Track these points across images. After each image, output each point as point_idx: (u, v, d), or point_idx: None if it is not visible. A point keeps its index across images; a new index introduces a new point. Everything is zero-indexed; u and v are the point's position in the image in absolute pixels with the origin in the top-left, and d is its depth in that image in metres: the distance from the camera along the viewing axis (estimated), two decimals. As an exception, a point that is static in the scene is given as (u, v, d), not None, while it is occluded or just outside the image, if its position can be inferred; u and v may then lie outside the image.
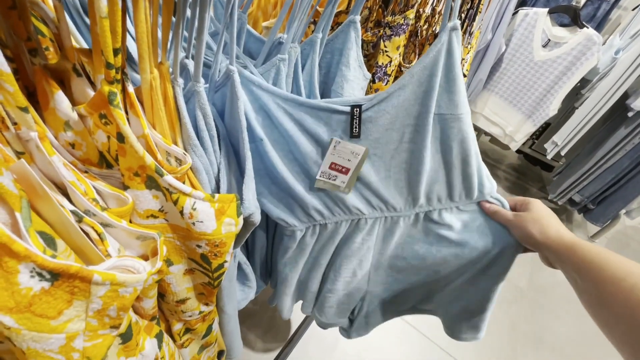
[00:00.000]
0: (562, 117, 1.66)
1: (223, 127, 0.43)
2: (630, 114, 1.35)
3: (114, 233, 0.29)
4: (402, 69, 0.61)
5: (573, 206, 1.66)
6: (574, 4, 1.38)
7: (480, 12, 0.67)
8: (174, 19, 0.32)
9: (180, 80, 0.34)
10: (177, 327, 0.46)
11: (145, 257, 0.33)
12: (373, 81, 0.59)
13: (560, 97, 1.49)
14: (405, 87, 0.39)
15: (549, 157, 1.64)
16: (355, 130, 0.42)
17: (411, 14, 0.55)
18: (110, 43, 0.22)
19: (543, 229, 0.40)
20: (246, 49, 0.58)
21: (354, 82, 0.55)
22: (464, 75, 0.72)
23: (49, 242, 0.20)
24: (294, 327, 1.13)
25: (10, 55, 0.24)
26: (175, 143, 0.36)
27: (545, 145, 1.64)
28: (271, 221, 0.59)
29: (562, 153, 1.55)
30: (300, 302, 0.69)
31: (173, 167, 0.34)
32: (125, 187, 0.30)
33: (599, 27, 1.55)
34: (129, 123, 0.29)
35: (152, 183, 0.30)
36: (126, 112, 0.30)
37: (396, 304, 0.60)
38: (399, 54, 0.57)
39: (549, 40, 1.45)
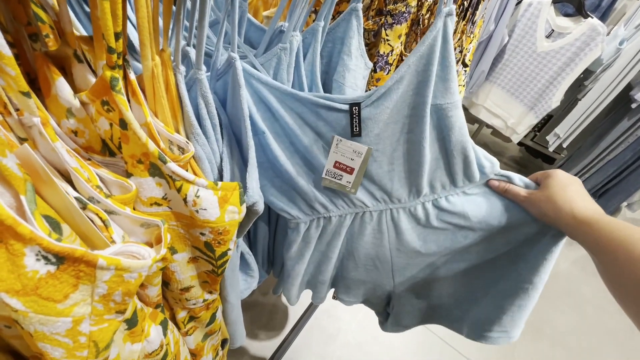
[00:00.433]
0: (564, 109, 1.65)
1: (225, 115, 0.43)
2: (633, 106, 1.34)
3: (118, 220, 0.29)
4: (404, 57, 0.60)
5: (574, 198, 1.66)
6: (578, -7, 1.36)
7: (483, 1, 0.66)
8: (174, 7, 0.31)
9: (182, 68, 0.34)
10: (182, 315, 0.46)
11: (149, 245, 0.33)
12: (374, 70, 0.58)
13: (563, 88, 1.48)
14: (403, 79, 0.38)
15: (551, 149, 1.64)
16: (356, 129, 0.41)
17: (413, 1, 0.54)
18: (112, 26, 0.22)
19: (557, 206, 0.37)
20: (247, 38, 0.57)
21: (355, 71, 0.54)
22: (467, 65, 0.72)
23: (55, 226, 0.20)
24: (296, 317, 1.14)
25: (11, 41, 0.24)
26: (178, 131, 0.36)
27: (547, 138, 1.63)
28: (273, 211, 0.59)
29: (564, 145, 1.55)
30: (304, 292, 0.69)
31: (176, 155, 0.34)
32: (128, 175, 0.30)
33: (603, 17, 1.53)
34: (131, 110, 0.29)
35: (155, 170, 0.30)
36: (128, 100, 0.30)
37: (426, 309, 0.60)
38: (401, 43, 0.56)
39: (553, 30, 1.43)
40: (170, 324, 0.42)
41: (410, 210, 0.49)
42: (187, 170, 0.35)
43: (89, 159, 0.30)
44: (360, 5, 0.48)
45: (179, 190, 0.31)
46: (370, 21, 0.55)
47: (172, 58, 0.33)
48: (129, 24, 0.37)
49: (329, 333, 1.13)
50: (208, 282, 0.44)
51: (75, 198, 0.25)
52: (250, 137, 0.41)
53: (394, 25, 0.53)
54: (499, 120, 1.69)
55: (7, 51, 0.19)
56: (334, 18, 0.56)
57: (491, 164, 0.46)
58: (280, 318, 1.14)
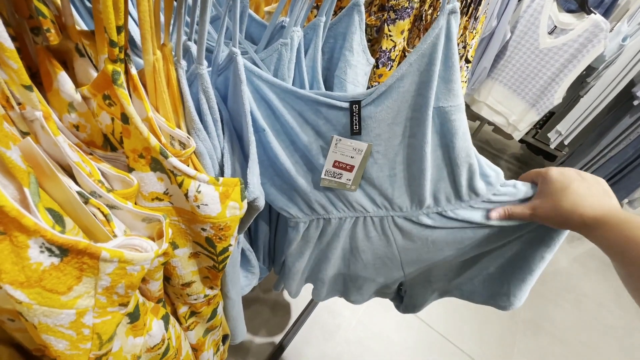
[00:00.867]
0: (566, 106, 1.65)
1: (226, 111, 0.42)
2: (635, 103, 1.33)
3: (119, 215, 0.29)
4: (406, 54, 0.60)
5: (575, 196, 1.66)
6: (582, -12, 1.35)
7: (486, -4, 0.66)
8: (175, 2, 0.31)
9: (183, 63, 0.34)
10: (183, 310, 0.46)
11: (151, 239, 0.33)
12: (377, 66, 0.58)
13: (565, 85, 1.47)
14: (404, 78, 0.37)
15: (552, 146, 1.63)
16: (356, 128, 0.41)
17: (416, -3, 0.54)
18: (114, 19, 0.22)
19: (564, 215, 0.36)
20: (248, 34, 0.57)
21: (357, 67, 0.54)
22: (469, 61, 0.72)
23: (58, 219, 0.20)
24: (296, 313, 1.15)
25: (13, 34, 0.24)
26: (179, 126, 0.36)
27: (549, 135, 1.63)
28: (274, 208, 0.60)
29: (566, 142, 1.54)
30: (306, 287, 0.69)
31: (177, 150, 0.34)
32: (130, 170, 0.30)
33: (606, 13, 1.52)
34: (132, 105, 0.29)
35: (156, 165, 0.30)
36: (129, 95, 0.30)
37: (437, 288, 0.59)
38: (403, 39, 0.56)
39: (555, 26, 1.43)
40: (172, 319, 0.42)
41: (412, 219, 0.48)
42: (188, 166, 0.35)
43: (91, 154, 0.30)
44: (362, 1, 0.48)
45: (180, 185, 0.31)
46: (372, 17, 0.55)
47: (173, 53, 0.33)
48: (130, 20, 0.37)
49: (329, 329, 1.14)
50: (209, 278, 0.44)
51: (78, 192, 0.25)
52: (252, 132, 0.41)
53: (397, 20, 0.52)
54: (501, 117, 1.69)
55: (10, 44, 0.19)
56: (335, 13, 0.56)
57: (496, 174, 0.44)
58: (281, 314, 1.14)
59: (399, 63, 0.62)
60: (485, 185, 0.44)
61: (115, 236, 0.27)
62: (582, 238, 1.72)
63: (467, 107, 1.75)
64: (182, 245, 0.38)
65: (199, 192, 0.32)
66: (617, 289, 1.46)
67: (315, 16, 0.49)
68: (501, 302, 0.53)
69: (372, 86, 0.60)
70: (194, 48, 0.41)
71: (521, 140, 2.01)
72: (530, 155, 2.28)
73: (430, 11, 0.59)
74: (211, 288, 0.46)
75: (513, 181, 0.45)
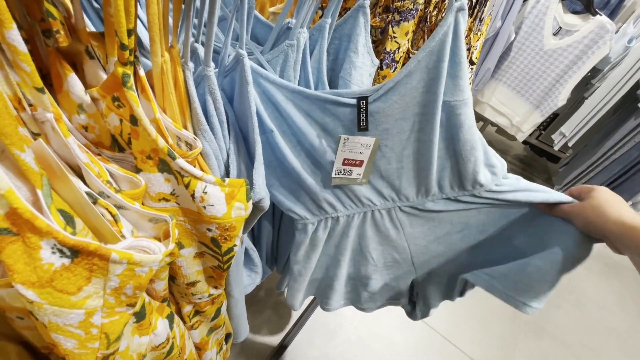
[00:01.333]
0: (570, 108, 1.64)
1: (232, 112, 0.43)
2: (640, 105, 1.33)
3: (127, 215, 0.30)
4: (411, 55, 0.60)
5: (579, 198, 1.65)
6: (587, -10, 1.34)
7: (491, -2, 0.66)
8: (183, 6, 0.31)
9: (191, 64, 0.34)
10: (187, 309, 0.47)
11: (157, 240, 0.34)
12: (381, 68, 0.58)
13: (569, 87, 1.46)
14: (412, 75, 0.38)
15: (556, 148, 1.63)
16: (363, 123, 0.41)
17: (421, -1, 0.54)
18: (125, 23, 0.22)
19: (602, 213, 0.38)
20: (253, 35, 0.57)
21: (362, 68, 0.54)
22: (473, 63, 0.71)
23: (69, 220, 0.20)
24: (298, 313, 1.15)
25: (25, 37, 0.24)
26: (185, 127, 0.36)
27: (553, 136, 1.62)
28: (278, 208, 0.60)
29: (570, 144, 1.54)
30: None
31: (184, 151, 0.34)
32: (137, 170, 0.31)
33: (612, 14, 1.51)
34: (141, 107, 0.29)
35: (164, 166, 0.30)
36: (137, 96, 0.30)
37: (448, 282, 0.58)
38: (408, 40, 0.56)
39: (560, 28, 1.42)
40: (177, 318, 0.43)
41: (418, 207, 0.49)
42: (194, 167, 0.35)
43: (99, 154, 0.31)
44: (367, 2, 0.48)
45: (187, 186, 0.32)
46: (377, 18, 0.55)
47: (181, 55, 0.33)
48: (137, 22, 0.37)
49: (330, 328, 1.14)
50: (214, 277, 0.44)
51: (86, 193, 0.26)
52: (257, 133, 0.41)
53: (401, 22, 0.52)
54: (504, 118, 1.68)
55: (23, 47, 0.19)
56: (340, 15, 0.56)
57: (501, 165, 0.46)
58: (282, 313, 1.15)
59: (403, 65, 0.62)
60: (491, 175, 0.45)
61: (122, 236, 0.27)
62: (585, 240, 1.72)
63: (471, 108, 1.75)
64: (187, 245, 0.39)
65: (206, 193, 0.33)
66: (620, 291, 1.45)
67: (320, 17, 0.49)
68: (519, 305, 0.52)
69: (376, 87, 0.60)
70: (201, 50, 0.41)
71: (524, 142, 2.00)
72: (533, 156, 2.27)
73: (435, 13, 0.59)
74: (215, 287, 0.46)
75: (515, 176, 0.46)
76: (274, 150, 0.45)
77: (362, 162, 0.45)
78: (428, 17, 0.58)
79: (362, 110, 0.40)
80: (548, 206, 0.44)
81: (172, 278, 0.42)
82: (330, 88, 0.55)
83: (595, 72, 1.46)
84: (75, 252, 0.18)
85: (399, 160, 0.44)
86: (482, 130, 2.24)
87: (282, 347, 1.03)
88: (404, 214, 0.50)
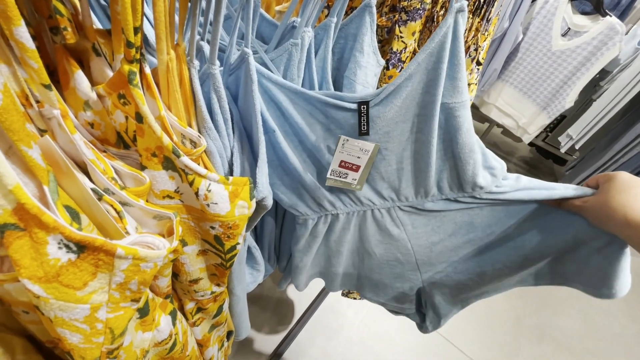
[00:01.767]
0: (578, 110, 1.62)
1: (237, 110, 0.43)
2: (650, 107, 1.31)
3: (131, 212, 0.30)
4: (417, 55, 0.60)
5: (585, 201, 1.63)
6: (597, -10, 1.32)
7: (499, -2, 0.65)
8: (189, 4, 0.32)
9: (196, 62, 0.34)
10: (190, 306, 0.47)
11: (161, 236, 0.34)
12: (387, 68, 0.58)
13: (577, 88, 1.45)
14: (412, 77, 0.38)
15: (563, 150, 1.61)
16: (364, 128, 0.41)
17: (428, -2, 0.53)
18: (132, 21, 0.22)
19: (610, 210, 0.35)
20: (259, 33, 0.57)
21: (367, 68, 0.54)
22: (480, 64, 0.71)
23: (75, 216, 0.20)
24: (300, 311, 1.15)
25: (33, 33, 0.24)
26: (190, 125, 0.36)
27: (559, 139, 1.60)
28: (280, 206, 0.60)
29: (577, 147, 1.52)
30: (310, 289, 0.69)
31: (188, 149, 0.34)
32: (142, 167, 0.31)
33: (622, 16, 1.49)
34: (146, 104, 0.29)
35: (169, 164, 0.31)
36: (143, 94, 0.30)
37: (458, 289, 0.57)
38: (414, 40, 0.56)
39: (569, 29, 1.40)
40: (179, 315, 0.43)
41: (418, 207, 0.49)
42: (198, 164, 0.35)
43: (105, 151, 0.31)
44: (374, 2, 0.48)
45: (191, 183, 0.32)
46: (383, 17, 0.54)
47: (186, 52, 0.34)
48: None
49: (332, 328, 1.14)
50: (216, 275, 0.44)
51: (92, 189, 0.26)
52: (261, 132, 0.41)
53: (408, 22, 0.52)
54: (510, 119, 1.67)
55: (31, 44, 0.19)
56: (347, 14, 0.56)
57: (501, 166, 0.45)
58: (284, 312, 1.15)
59: (410, 65, 0.62)
60: (490, 177, 0.45)
61: (127, 233, 0.28)
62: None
63: (476, 108, 1.74)
64: (191, 243, 0.39)
65: (209, 190, 0.33)
66: (626, 297, 1.44)
67: (326, 16, 0.49)
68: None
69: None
70: (206, 48, 0.41)
71: (530, 144, 1.98)
72: (539, 158, 2.25)
73: (442, 12, 0.59)
74: (218, 285, 0.47)
75: (516, 175, 0.45)
76: (276, 150, 0.45)
77: (358, 167, 0.45)
78: (435, 16, 0.57)
79: (363, 115, 0.40)
80: (556, 202, 0.42)
81: (175, 275, 0.43)
82: (335, 87, 0.55)
83: (604, 74, 1.44)
84: (81, 248, 0.18)
85: (398, 161, 0.44)
86: (487, 131, 2.23)
87: (283, 345, 1.04)
88: (404, 213, 0.50)
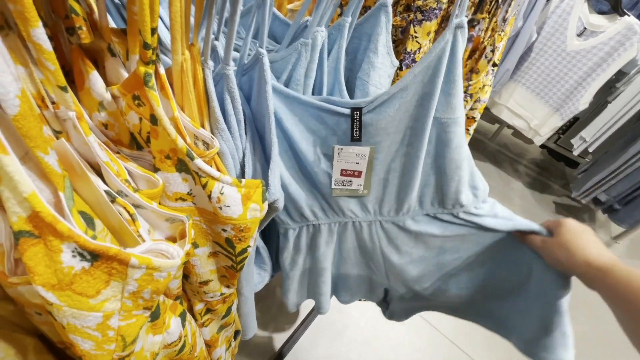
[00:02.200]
0: (592, 112, 1.58)
1: (249, 111, 0.42)
2: (668, 111, 1.27)
3: (144, 214, 0.30)
4: (432, 56, 0.58)
5: (597, 205, 1.60)
6: (616, -11, 1.29)
7: (516, -3, 0.63)
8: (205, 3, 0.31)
9: (211, 63, 0.34)
10: (199, 307, 0.47)
11: (173, 239, 0.34)
12: (400, 68, 0.57)
13: (592, 90, 1.42)
14: (407, 88, 0.37)
15: (576, 153, 1.58)
16: (356, 134, 0.41)
17: (444, -3, 0.52)
18: (149, 22, 0.22)
19: (570, 252, 0.38)
20: (271, 33, 0.56)
21: (381, 69, 0.53)
22: (495, 65, 0.69)
23: (89, 221, 0.20)
24: (305, 311, 1.15)
25: (49, 34, 0.24)
26: (203, 126, 0.36)
27: (572, 141, 1.57)
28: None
29: (590, 150, 1.49)
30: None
31: (201, 150, 0.34)
32: (155, 169, 0.30)
33: (641, 16, 1.44)
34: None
35: (182, 166, 0.30)
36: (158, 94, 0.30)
37: (422, 302, 0.60)
38: (429, 41, 0.54)
39: (585, 28, 1.37)
40: (189, 316, 0.43)
41: (399, 224, 0.49)
42: (211, 166, 0.35)
43: (118, 152, 0.30)
44: (390, 1, 0.47)
45: (204, 186, 0.31)
46: (398, 17, 0.53)
47: (201, 52, 0.33)
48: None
49: (337, 328, 1.14)
50: (226, 277, 0.44)
51: (105, 191, 0.26)
52: (274, 133, 0.41)
53: (424, 21, 0.51)
54: (522, 121, 1.64)
55: (48, 46, 0.19)
56: (360, 14, 0.54)
57: (484, 188, 0.46)
58: (288, 312, 1.15)
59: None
60: (472, 197, 0.45)
61: (139, 236, 0.27)
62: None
63: (487, 109, 1.71)
64: (202, 245, 0.39)
65: (222, 193, 0.32)
66: None
67: (339, 15, 0.48)
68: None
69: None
70: (220, 47, 0.41)
71: (542, 146, 1.95)
72: (550, 161, 2.21)
73: (457, 12, 0.58)
74: (227, 287, 0.46)
75: (493, 200, 0.46)
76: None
77: (360, 172, 0.44)
78: (451, 17, 0.56)
79: (356, 120, 0.40)
80: (522, 235, 0.44)
81: (185, 276, 0.42)
82: (347, 89, 0.54)
83: (620, 75, 1.41)
84: (95, 256, 0.18)
85: (386, 171, 0.44)
86: (497, 132, 2.19)
87: (288, 345, 1.03)
88: (382, 230, 0.51)
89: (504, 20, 0.63)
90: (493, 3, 0.60)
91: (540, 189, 2.00)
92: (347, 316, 1.17)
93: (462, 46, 0.35)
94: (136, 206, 0.28)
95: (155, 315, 0.30)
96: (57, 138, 0.23)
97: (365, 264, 0.57)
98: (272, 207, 0.42)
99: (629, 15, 1.26)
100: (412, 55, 0.54)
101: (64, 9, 0.24)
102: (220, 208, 0.33)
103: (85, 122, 0.24)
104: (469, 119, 0.62)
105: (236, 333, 0.64)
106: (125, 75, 0.28)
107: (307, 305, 1.17)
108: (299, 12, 0.46)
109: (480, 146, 2.16)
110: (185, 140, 0.31)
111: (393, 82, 0.63)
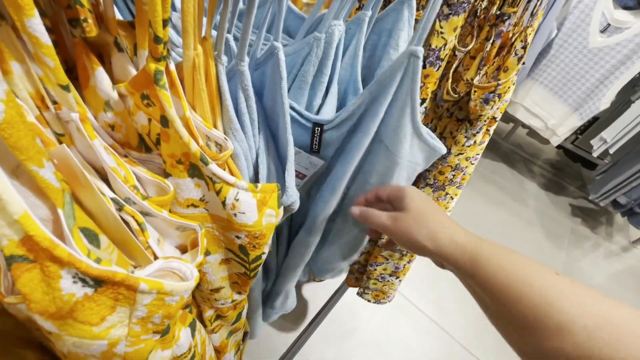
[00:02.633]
0: (613, 112, 1.52)
1: (262, 108, 0.40)
2: (696, 111, 1.21)
3: (153, 222, 0.27)
4: (457, 52, 0.55)
5: (617, 208, 1.55)
6: (644, -17, 1.23)
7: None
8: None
9: (224, 58, 0.31)
10: (209, 313, 0.45)
11: (183, 247, 0.31)
12: (423, 66, 0.53)
13: (615, 89, 1.36)
14: (361, 106, 0.40)
15: (595, 154, 1.52)
16: (315, 147, 0.44)
17: (472, -11, 0.48)
18: (161, 12, 0.19)
19: (433, 235, 0.32)
20: (285, 27, 0.54)
21: (401, 66, 0.50)
22: (524, 64, 0.65)
23: (92, 238, 0.18)
24: (313, 312, 1.13)
25: (49, 26, 0.22)
26: (215, 126, 0.33)
27: (592, 142, 1.52)
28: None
29: (611, 151, 1.43)
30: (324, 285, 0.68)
31: (214, 153, 0.31)
32: (166, 175, 0.28)
33: (669, 11, 1.38)
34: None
35: (195, 171, 0.28)
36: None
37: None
38: (455, 37, 0.51)
39: (609, 24, 1.31)
40: (198, 324, 0.41)
41: None
42: (223, 169, 0.33)
43: (126, 156, 0.28)
44: (414, -6, 0.44)
45: (218, 192, 0.29)
46: (421, 11, 0.50)
47: (214, 47, 0.30)
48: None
49: (346, 329, 1.12)
50: (238, 284, 0.42)
51: (112, 199, 0.23)
52: (289, 132, 0.38)
53: (451, 16, 0.47)
54: (538, 120, 1.59)
55: (47, 39, 0.16)
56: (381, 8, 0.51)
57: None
58: (298, 311, 1.13)
59: (448, 63, 0.57)
60: None
61: (148, 247, 0.25)
62: (620, 254, 1.61)
63: (502, 107, 1.65)
64: (214, 252, 0.36)
65: (237, 200, 0.30)
66: (634, 299, 1.36)
67: (357, 9, 0.45)
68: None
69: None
70: (232, 41, 0.38)
71: (558, 146, 1.89)
72: (566, 161, 2.15)
73: (485, 4, 0.54)
74: (239, 293, 0.44)
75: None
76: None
77: (304, 176, 0.49)
78: (478, 10, 0.52)
79: (316, 136, 0.43)
80: (365, 218, 0.37)
81: (195, 283, 0.40)
82: (364, 86, 0.51)
83: (645, 73, 1.34)
84: (99, 282, 0.16)
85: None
86: (512, 132, 2.14)
87: (297, 345, 1.02)
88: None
89: (533, 14, 0.59)
90: (520, -4, 0.56)
91: (555, 191, 1.94)
92: (356, 317, 1.15)
93: (418, 74, 0.36)
94: (145, 214, 0.26)
95: (165, 331, 0.28)
96: (59, 141, 0.21)
97: None
98: (287, 209, 0.40)
99: (657, 10, 1.20)
100: (437, 51, 0.51)
101: (67, -3, 0.22)
102: (235, 215, 0.31)
103: (90, 124, 0.22)
104: (491, 119, 0.59)
105: (244, 335, 0.62)
106: (134, 72, 0.26)
107: (317, 304, 1.15)
108: (315, 6, 0.43)
109: (493, 146, 2.11)
110: (198, 143, 0.28)
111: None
